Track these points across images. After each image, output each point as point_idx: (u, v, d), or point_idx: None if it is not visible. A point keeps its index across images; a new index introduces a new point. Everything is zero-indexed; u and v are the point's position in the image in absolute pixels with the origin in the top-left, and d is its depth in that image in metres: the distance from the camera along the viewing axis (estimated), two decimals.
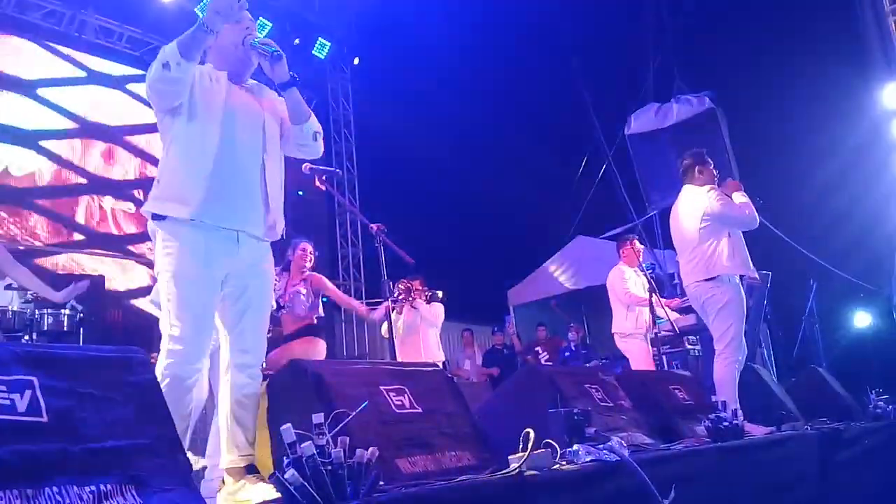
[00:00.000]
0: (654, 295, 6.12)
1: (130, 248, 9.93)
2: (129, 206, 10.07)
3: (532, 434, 2.50)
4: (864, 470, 4.66)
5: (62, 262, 9.24)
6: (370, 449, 1.99)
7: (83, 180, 9.84)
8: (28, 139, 9.35)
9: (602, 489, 2.58)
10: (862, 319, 10.66)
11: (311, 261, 5.47)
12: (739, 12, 10.26)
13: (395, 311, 6.33)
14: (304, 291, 5.35)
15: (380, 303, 5.32)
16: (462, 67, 11.82)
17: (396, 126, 12.39)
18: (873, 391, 5.68)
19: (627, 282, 6.81)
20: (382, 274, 4.31)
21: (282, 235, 3.06)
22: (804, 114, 9.45)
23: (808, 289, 9.87)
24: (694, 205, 5.07)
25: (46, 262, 9.05)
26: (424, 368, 3.12)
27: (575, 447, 2.80)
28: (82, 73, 10.24)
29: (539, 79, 12.39)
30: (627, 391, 4.11)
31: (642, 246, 7.14)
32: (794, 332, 10.04)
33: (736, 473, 3.50)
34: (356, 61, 13.44)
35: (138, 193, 10.12)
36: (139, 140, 10.49)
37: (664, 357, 7.03)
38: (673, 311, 6.84)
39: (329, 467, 1.87)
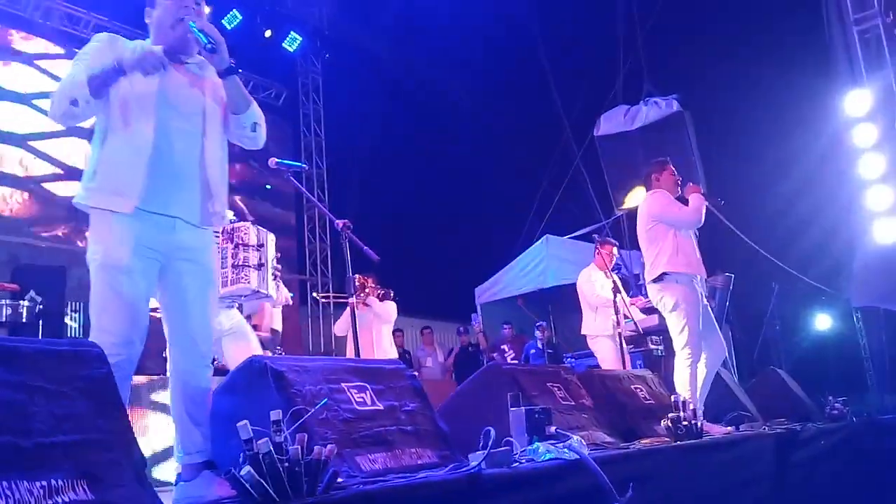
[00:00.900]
0: (618, 295, 6.17)
1: None
2: None
3: (493, 432, 2.51)
4: (820, 470, 4.74)
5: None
6: (328, 446, 1.99)
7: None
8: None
9: (560, 487, 2.60)
10: (822, 322, 10.85)
11: None
12: (708, 18, 10.38)
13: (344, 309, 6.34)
14: None
15: (345, 298, 5.30)
16: (432, 66, 11.83)
17: (366, 122, 12.36)
18: (830, 395, 5.79)
19: (595, 284, 6.88)
20: (348, 270, 4.29)
21: (231, 222, 2.97)
22: (770, 119, 9.58)
23: (770, 292, 10.02)
24: (642, 209, 5.26)
25: None
26: (387, 366, 3.11)
27: (535, 445, 2.82)
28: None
29: (509, 79, 12.43)
30: (589, 390, 4.15)
31: (621, 250, 7.23)
32: (755, 334, 10.19)
33: (694, 472, 3.54)
34: (327, 56, 13.37)
35: None
36: None
37: (627, 357, 7.10)
38: (638, 309, 6.93)
39: (286, 464, 1.86)
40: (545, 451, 2.74)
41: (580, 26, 11.37)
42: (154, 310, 2.81)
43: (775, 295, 10.06)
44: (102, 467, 1.73)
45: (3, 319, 6.05)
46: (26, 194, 9.31)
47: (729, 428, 4.72)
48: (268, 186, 11.92)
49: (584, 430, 3.60)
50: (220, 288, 4.01)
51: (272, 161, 4.24)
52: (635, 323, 6.55)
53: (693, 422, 3.82)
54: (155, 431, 4.94)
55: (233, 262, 4.01)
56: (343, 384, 2.74)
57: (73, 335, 7.56)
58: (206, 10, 2.96)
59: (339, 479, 2.09)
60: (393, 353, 7.32)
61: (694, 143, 10.59)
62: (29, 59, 9.77)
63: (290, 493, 1.84)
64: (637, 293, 8.13)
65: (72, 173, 9.53)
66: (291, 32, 12.50)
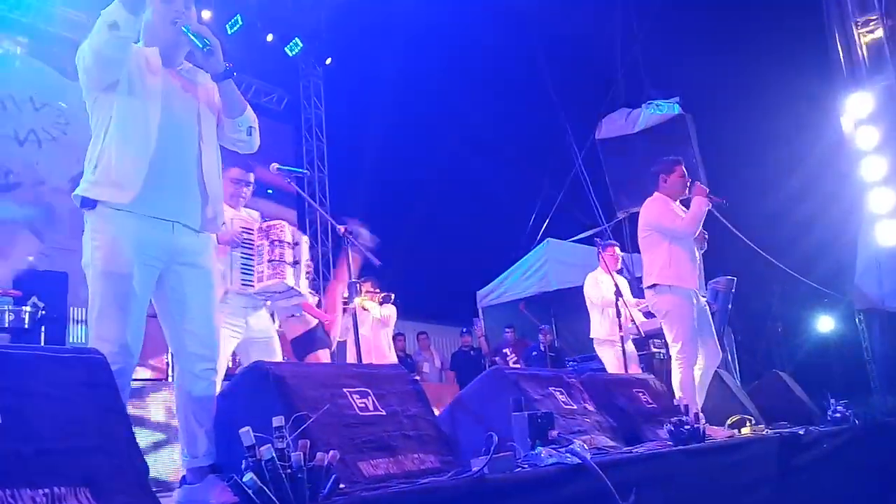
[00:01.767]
0: (619, 299, 6.17)
1: None
2: None
3: (495, 437, 2.51)
4: (823, 473, 4.73)
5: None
6: (330, 452, 1.99)
7: None
8: None
9: (563, 492, 2.59)
10: (825, 325, 10.83)
11: None
12: (709, 21, 10.38)
13: (345, 314, 6.32)
14: None
15: (346, 303, 5.32)
16: (434, 70, 11.83)
17: (367, 127, 12.37)
18: (833, 397, 5.77)
19: (601, 287, 6.89)
20: (350, 276, 4.30)
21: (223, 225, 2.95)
22: (771, 121, 9.59)
23: (772, 294, 10.02)
24: (641, 215, 5.28)
25: None
26: (389, 371, 3.11)
27: (537, 450, 2.82)
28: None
29: (510, 83, 12.43)
30: (592, 395, 4.14)
31: (622, 253, 7.22)
32: (757, 337, 10.19)
33: (697, 476, 3.54)
34: (328, 61, 13.38)
35: None
36: None
37: (634, 361, 7.09)
38: (641, 313, 6.92)
39: (288, 471, 1.86)
40: (548, 456, 2.73)
41: (581, 29, 11.36)
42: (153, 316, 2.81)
43: (777, 297, 10.06)
44: (105, 474, 1.74)
45: (6, 325, 6.03)
46: None
47: (732, 431, 4.71)
48: (269, 191, 11.93)
49: (587, 435, 3.59)
50: (243, 287, 3.99)
51: (274, 167, 4.25)
52: (637, 326, 6.54)
53: (695, 425, 3.81)
54: None
55: (269, 258, 3.98)
56: (345, 389, 2.74)
57: (75, 341, 7.56)
58: (195, 12, 2.90)
59: (342, 486, 2.09)
60: (393, 358, 7.30)
61: (695, 146, 10.60)
62: None
63: (292, 499, 1.84)
64: (640, 296, 8.13)
65: (75, 179, 9.54)
66: (294, 38, 12.52)
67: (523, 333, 11.46)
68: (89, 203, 2.63)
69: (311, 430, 2.33)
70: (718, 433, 4.45)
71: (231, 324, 3.96)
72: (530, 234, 12.11)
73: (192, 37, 2.70)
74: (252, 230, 4.08)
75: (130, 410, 4.85)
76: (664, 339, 7.14)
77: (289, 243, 4.07)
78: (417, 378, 3.42)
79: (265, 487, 1.80)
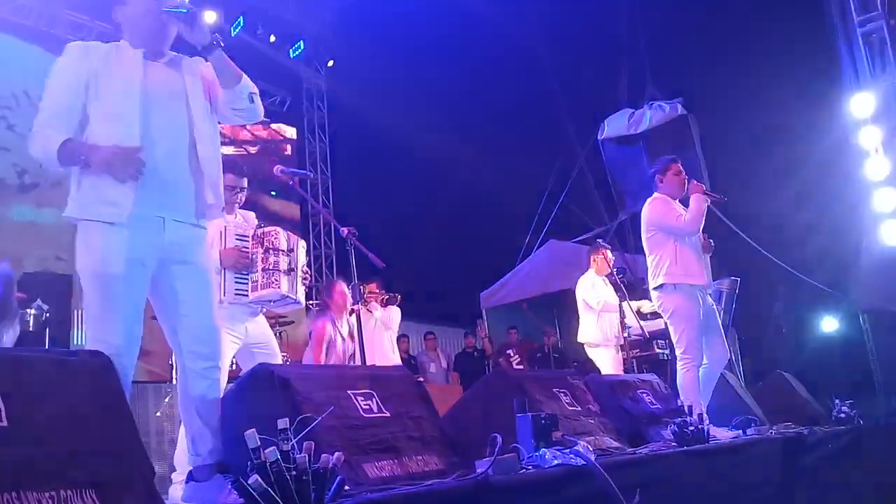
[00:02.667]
0: (623, 301, 6.16)
1: None
2: None
3: (499, 438, 2.51)
4: (828, 474, 4.72)
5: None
6: (335, 454, 1.99)
7: None
8: None
9: (568, 493, 2.59)
10: (829, 325, 10.80)
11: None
12: (712, 21, 10.37)
13: (352, 314, 6.33)
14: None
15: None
16: (436, 71, 11.84)
17: (370, 128, 12.37)
18: (837, 398, 5.76)
19: (594, 288, 6.87)
20: (353, 277, 4.30)
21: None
22: (774, 121, 9.58)
23: (776, 295, 10.00)
24: (643, 216, 5.26)
25: None
26: (392, 373, 3.12)
27: (542, 451, 2.82)
28: None
29: (513, 84, 12.43)
30: (596, 396, 4.14)
31: (613, 255, 7.20)
32: (761, 338, 10.17)
33: (701, 477, 3.53)
34: (330, 63, 13.39)
35: None
36: None
37: (634, 361, 7.10)
38: (645, 314, 6.91)
39: (293, 472, 1.86)
40: (552, 457, 2.73)
41: (584, 30, 11.37)
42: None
43: (781, 298, 10.04)
44: (111, 477, 1.74)
45: None
46: None
47: (736, 432, 4.71)
48: (273, 193, 11.95)
49: (591, 436, 3.59)
50: (237, 296, 3.98)
51: (278, 168, 4.25)
52: (641, 327, 6.53)
53: (700, 426, 3.81)
54: None
55: (263, 266, 3.97)
56: (349, 391, 2.74)
57: (79, 344, 7.57)
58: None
59: (347, 487, 2.09)
60: (397, 360, 7.29)
61: (698, 146, 10.57)
62: None
63: (297, 501, 1.84)
64: (643, 297, 8.12)
65: None
66: (296, 40, 12.54)
67: (526, 334, 11.47)
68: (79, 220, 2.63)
69: (315, 432, 2.33)
70: (722, 434, 4.45)
71: (231, 331, 3.95)
72: (533, 235, 12.12)
73: (172, 10, 2.66)
74: (247, 237, 4.06)
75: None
76: (668, 339, 7.18)
77: (283, 250, 4.07)
78: (421, 380, 3.41)
79: (270, 489, 1.81)
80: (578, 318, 7.08)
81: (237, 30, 11.34)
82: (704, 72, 10.14)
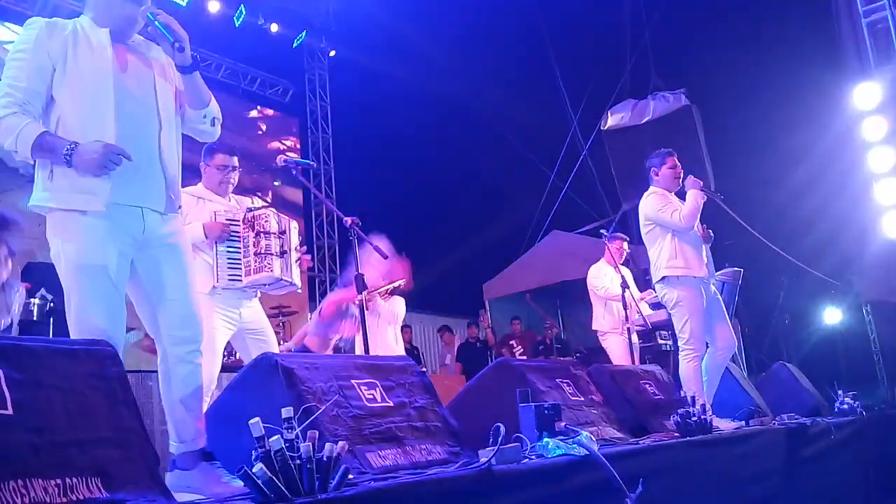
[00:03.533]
0: (626, 291, 6.17)
1: None
2: None
3: (502, 428, 2.52)
4: (830, 465, 4.73)
5: None
6: (339, 443, 1.99)
7: None
8: None
9: (571, 483, 2.60)
10: (832, 316, 10.81)
11: None
12: (716, 11, 10.34)
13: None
14: None
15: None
16: (440, 61, 11.81)
17: (373, 119, 12.36)
18: (840, 389, 5.77)
19: (604, 279, 6.89)
20: (357, 268, 4.29)
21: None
22: (778, 112, 9.55)
23: (779, 286, 10.00)
24: (640, 210, 5.27)
25: None
26: (396, 362, 3.12)
27: (545, 441, 2.82)
28: None
29: (517, 75, 12.41)
30: (599, 386, 4.14)
31: (628, 247, 7.22)
32: (764, 329, 10.18)
33: (704, 468, 3.54)
34: (333, 53, 13.36)
35: None
36: None
37: (636, 351, 7.10)
38: (647, 304, 6.92)
39: (297, 461, 1.87)
40: (555, 447, 2.73)
41: (587, 20, 11.35)
42: None
43: (784, 289, 10.05)
44: (116, 465, 1.75)
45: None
46: None
47: (738, 423, 4.71)
48: (276, 183, 11.96)
49: (594, 426, 3.60)
50: (231, 281, 3.96)
51: (280, 158, 4.22)
52: (644, 318, 6.55)
53: (702, 417, 3.81)
54: None
55: (255, 251, 3.92)
56: (353, 381, 2.75)
57: None
58: None
59: (351, 476, 2.10)
60: (400, 351, 7.28)
61: (702, 137, 10.58)
62: None
63: (302, 490, 1.85)
64: (647, 287, 8.13)
65: None
66: (299, 30, 12.51)
67: (530, 325, 11.48)
68: (59, 210, 2.54)
69: (319, 421, 2.34)
70: (725, 425, 4.45)
71: (225, 316, 3.93)
72: (536, 226, 12.12)
73: (162, 30, 2.62)
74: (238, 221, 4.01)
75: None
76: (671, 330, 7.19)
77: (275, 233, 4.00)
78: (424, 370, 3.41)
79: (275, 478, 1.81)
80: (585, 307, 7.13)
81: (240, 19, 11.32)
82: (708, 63, 10.12)
